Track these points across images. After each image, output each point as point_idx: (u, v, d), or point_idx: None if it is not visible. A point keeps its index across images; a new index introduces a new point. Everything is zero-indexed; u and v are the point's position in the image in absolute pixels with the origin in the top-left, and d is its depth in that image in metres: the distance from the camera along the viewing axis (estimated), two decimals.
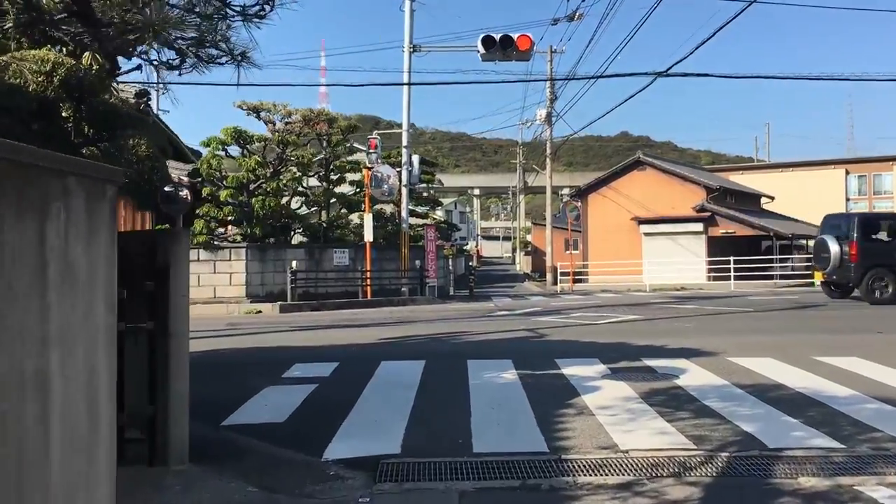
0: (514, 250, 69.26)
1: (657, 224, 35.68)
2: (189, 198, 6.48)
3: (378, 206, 25.28)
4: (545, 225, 55.89)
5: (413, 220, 25.11)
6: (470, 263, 31.18)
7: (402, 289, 23.25)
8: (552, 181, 63.63)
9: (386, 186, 23.03)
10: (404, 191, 23.67)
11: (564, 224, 42.20)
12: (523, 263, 61.33)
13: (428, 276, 24.17)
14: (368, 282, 21.97)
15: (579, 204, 40.88)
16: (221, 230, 24.76)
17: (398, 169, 23.52)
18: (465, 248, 60.96)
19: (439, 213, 33.82)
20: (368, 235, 22.20)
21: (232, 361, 9.73)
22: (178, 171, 21.67)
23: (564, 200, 42.02)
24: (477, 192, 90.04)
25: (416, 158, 24.01)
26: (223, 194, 20.52)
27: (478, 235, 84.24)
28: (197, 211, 20.48)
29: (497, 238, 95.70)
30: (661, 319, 14.52)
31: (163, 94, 40.02)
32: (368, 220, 22.34)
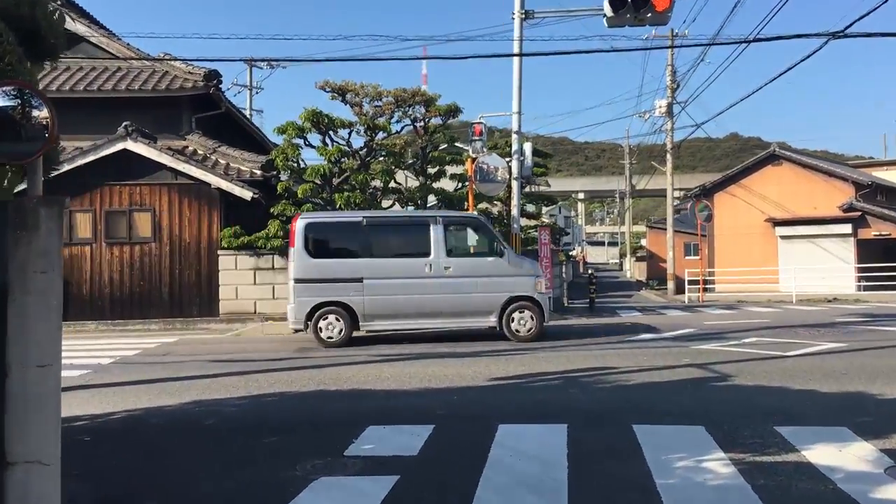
0: (621, 256, 66.22)
1: (796, 226, 32.91)
2: (51, 123, 3.76)
3: (482, 205, 22.27)
4: (662, 228, 52.36)
5: (523, 221, 21.95)
6: (590, 271, 27.72)
7: None
8: (660, 183, 60.04)
9: (493, 180, 19.99)
10: (515, 185, 20.54)
11: (685, 227, 38.55)
12: (635, 270, 58.47)
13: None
14: None
15: (710, 203, 37.05)
16: None
17: (508, 160, 20.43)
18: (571, 253, 57.89)
19: (545, 216, 30.48)
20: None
21: (280, 419, 6.90)
22: (250, 163, 19.38)
23: (691, 200, 38.11)
24: (581, 195, 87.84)
25: (528, 147, 20.85)
26: (300, 189, 17.98)
27: (583, 240, 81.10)
28: (271, 209, 18.03)
29: (601, 243, 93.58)
30: (878, 349, 10.85)
31: (256, 93, 38.31)
32: None
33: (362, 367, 10.01)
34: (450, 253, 12.96)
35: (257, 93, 44.93)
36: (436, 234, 12.91)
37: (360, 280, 12.61)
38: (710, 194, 36.23)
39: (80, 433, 6.56)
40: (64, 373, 9.73)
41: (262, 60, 33.57)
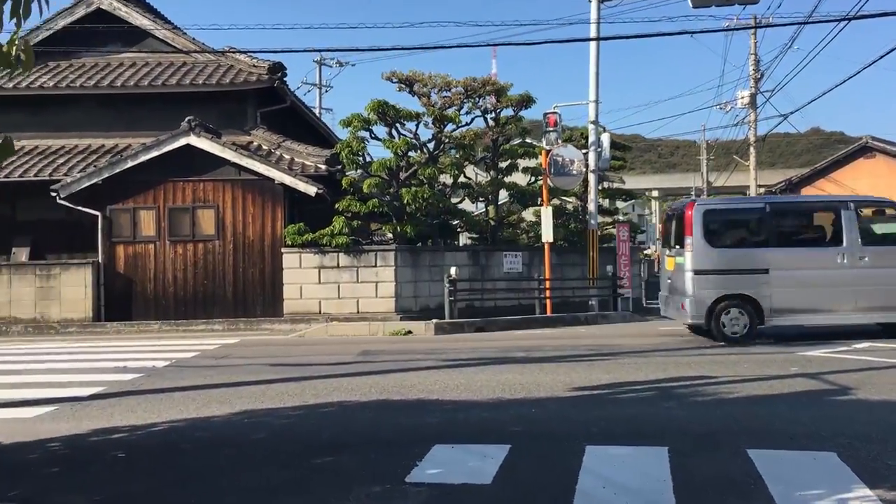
0: None
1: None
2: None
3: (556, 200, 21.29)
4: None
5: (599, 218, 20.85)
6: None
7: (590, 301, 19.12)
8: (738, 180, 57.89)
9: (569, 173, 19.02)
10: (592, 178, 19.53)
11: None
12: None
13: (622, 286, 19.90)
14: (548, 293, 18.04)
15: None
16: (376, 227, 21.80)
17: (584, 151, 19.43)
18: (645, 252, 56.76)
19: (620, 213, 29.14)
20: (548, 235, 18.28)
21: (335, 434, 6.17)
22: (314, 157, 18.86)
23: (782, 194, 36.42)
24: (655, 193, 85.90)
25: (605, 138, 19.81)
26: (366, 184, 17.34)
27: (656, 239, 79.18)
28: (336, 205, 17.47)
29: None
30: None
31: (325, 91, 38.18)
32: (548, 215, 18.42)
33: (429, 374, 9.25)
34: (864, 241, 12.06)
35: (326, 91, 44.95)
36: (847, 220, 12.03)
37: (765, 271, 11.99)
38: (797, 189, 34.69)
39: (116, 447, 5.96)
40: (115, 377, 9.27)
41: (327, 51, 33.23)
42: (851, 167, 33.32)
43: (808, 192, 34.21)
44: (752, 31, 36.91)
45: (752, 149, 36.94)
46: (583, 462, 5.05)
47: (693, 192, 72.68)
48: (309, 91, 43.88)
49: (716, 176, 60.35)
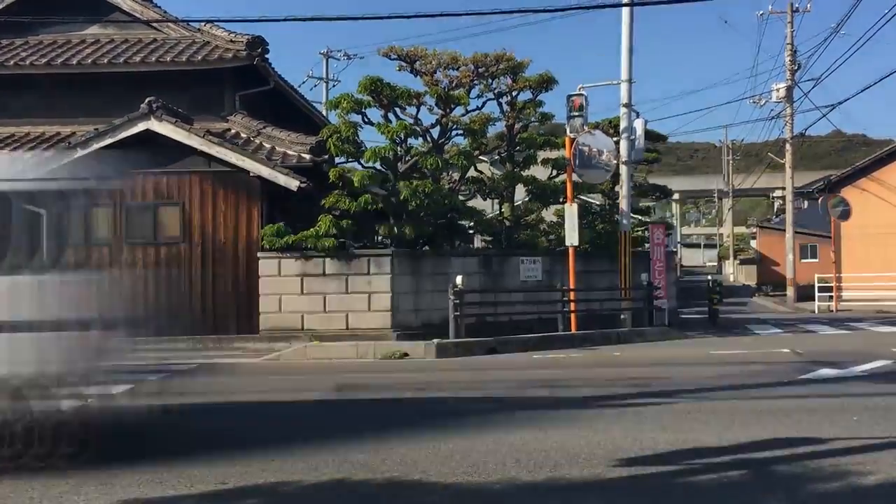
0: (720, 259, 62.33)
1: None
2: None
3: (580, 197, 18.89)
4: (774, 228, 48.12)
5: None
6: (709, 277, 23.95)
7: (622, 315, 16.71)
8: (763, 182, 55.48)
9: (597, 165, 16.62)
10: (624, 171, 17.11)
11: (798, 227, 34.95)
12: (739, 274, 55.12)
13: (657, 296, 17.49)
14: (573, 306, 15.63)
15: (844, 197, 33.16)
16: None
17: (615, 140, 17.01)
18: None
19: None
20: (572, 237, 15.86)
21: None
22: (298, 145, 16.49)
23: (824, 195, 33.95)
24: (676, 196, 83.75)
25: (640, 124, 17.39)
26: (357, 177, 14.97)
27: (678, 243, 77.00)
28: (322, 202, 15.13)
29: (697, 245, 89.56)
30: None
31: (332, 86, 36.16)
32: (573, 214, 15.99)
33: (415, 427, 6.87)
34: None
35: (334, 86, 42.73)
36: None
37: None
38: (836, 189, 32.62)
39: None
40: None
41: (311, 20, 30.95)
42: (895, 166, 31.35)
43: (850, 192, 31.99)
44: (789, 18, 34.70)
45: (787, 146, 34.53)
46: None
47: (715, 195, 70.40)
48: (316, 85, 41.72)
49: (740, 179, 58.16)
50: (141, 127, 15.01)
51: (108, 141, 15.03)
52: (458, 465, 5.50)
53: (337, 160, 16.23)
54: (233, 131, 17.06)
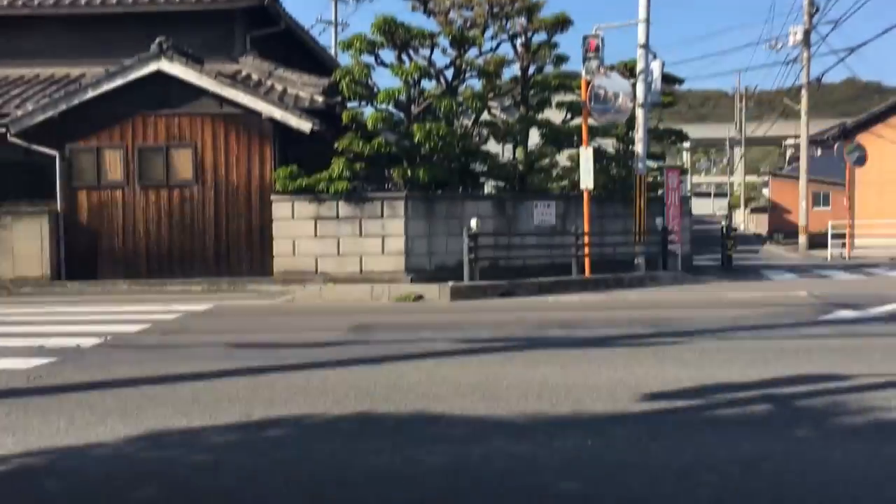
0: (730, 207, 61.98)
1: None
2: None
3: (595, 141, 18.67)
4: (787, 176, 47.80)
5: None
6: (723, 223, 23.80)
7: (637, 260, 16.65)
8: (776, 130, 54.73)
9: (613, 108, 16.38)
10: (640, 114, 16.87)
11: (812, 174, 34.56)
12: (750, 222, 55.03)
13: (672, 241, 17.41)
14: (587, 250, 15.57)
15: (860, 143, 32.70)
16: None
17: (631, 82, 16.74)
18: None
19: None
20: (587, 181, 15.72)
21: (266, 490, 3.83)
22: (311, 87, 16.30)
23: (839, 141, 33.48)
24: (687, 144, 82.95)
25: (657, 66, 17.13)
26: (371, 119, 14.82)
27: (689, 192, 76.59)
28: (336, 145, 15.01)
29: (707, 195, 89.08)
30: None
31: (342, 30, 35.58)
32: (588, 157, 15.84)
33: (436, 364, 6.88)
34: None
35: (342, 30, 42.07)
36: None
37: None
38: (851, 135, 32.20)
39: None
40: (15, 363, 7.03)
41: None
42: None
43: (865, 138, 31.55)
44: None
45: (803, 91, 34.01)
46: None
47: (727, 144, 69.63)
48: (324, 30, 41.18)
49: (753, 127, 57.47)
50: (152, 68, 14.84)
51: (119, 82, 14.89)
52: (480, 400, 5.51)
53: (350, 103, 16.03)
54: (244, 73, 16.87)
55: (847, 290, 13.28)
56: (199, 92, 15.01)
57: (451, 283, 13.26)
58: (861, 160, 29.37)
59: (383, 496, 3.66)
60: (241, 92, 14.94)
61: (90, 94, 14.85)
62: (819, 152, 42.45)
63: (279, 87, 16.21)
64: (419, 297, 12.83)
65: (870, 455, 4.13)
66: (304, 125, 14.69)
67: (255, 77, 16.67)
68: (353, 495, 3.70)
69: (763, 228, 49.00)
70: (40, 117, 14.82)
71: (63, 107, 14.82)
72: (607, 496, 3.61)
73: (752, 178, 75.17)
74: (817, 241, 29.57)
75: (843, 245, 26.86)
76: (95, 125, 15.13)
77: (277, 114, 14.79)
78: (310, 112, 15.13)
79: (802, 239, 31.77)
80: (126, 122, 15.17)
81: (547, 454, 4.25)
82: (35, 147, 15.02)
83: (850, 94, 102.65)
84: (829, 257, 26.00)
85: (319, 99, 15.49)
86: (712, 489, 3.66)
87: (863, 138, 31.30)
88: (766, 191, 57.65)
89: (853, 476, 3.79)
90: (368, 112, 15.56)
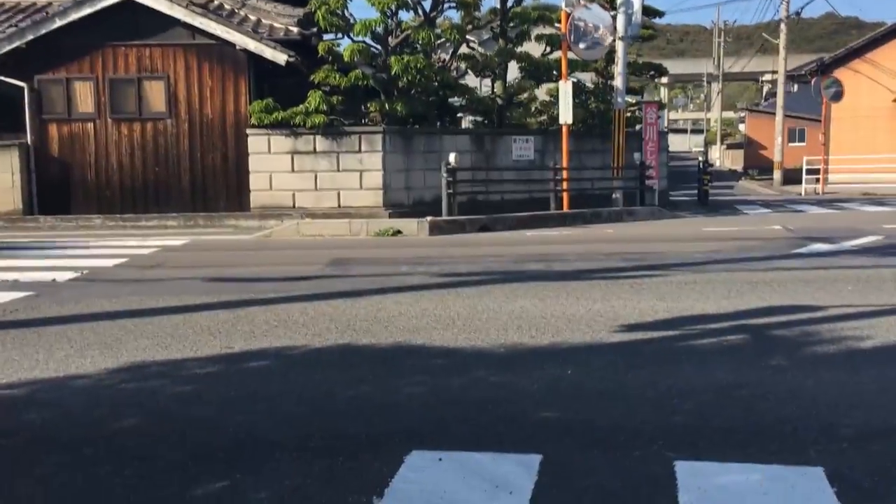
0: (706, 144, 62.18)
1: None
2: None
3: (574, 76, 18.50)
4: (764, 112, 47.81)
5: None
6: (700, 158, 23.91)
7: (614, 195, 16.70)
8: (754, 65, 54.45)
9: (593, 41, 16.20)
10: (620, 47, 16.71)
11: (788, 110, 34.69)
12: (725, 158, 55.41)
13: (650, 177, 17.47)
14: (566, 185, 15.58)
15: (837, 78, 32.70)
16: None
17: (612, 13, 16.53)
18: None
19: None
20: (566, 115, 15.65)
21: (249, 421, 3.86)
22: (286, 18, 15.96)
23: (817, 76, 33.45)
24: (665, 80, 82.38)
25: None
26: (347, 51, 14.58)
27: (666, 128, 76.40)
28: (312, 78, 14.76)
29: (684, 131, 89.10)
30: None
31: None
32: (567, 91, 15.73)
33: (416, 298, 6.91)
34: None
35: None
36: None
37: None
38: (829, 71, 32.41)
39: None
40: None
41: None
42: (891, 46, 31.16)
43: (843, 73, 31.58)
44: None
45: (782, 25, 33.80)
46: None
47: (705, 80, 69.32)
48: None
49: (731, 62, 57.20)
50: None
51: (87, 11, 14.47)
52: (461, 332, 5.55)
53: (326, 35, 15.72)
54: (216, 2, 16.43)
55: (820, 225, 13.44)
56: (171, 21, 14.64)
57: (429, 218, 13.25)
58: (838, 96, 29.41)
59: (364, 425, 3.70)
60: (214, 22, 14.59)
61: (58, 23, 14.44)
62: (796, 88, 42.45)
63: (253, 18, 15.84)
64: (397, 232, 12.82)
65: (840, 383, 4.23)
66: (280, 57, 14.41)
67: (227, 6, 16.25)
68: (335, 425, 3.74)
69: (739, 164, 49.27)
70: (7, 47, 14.41)
71: (30, 36, 14.41)
72: (586, 424, 3.68)
73: (728, 115, 75.09)
74: (792, 177, 29.84)
75: (818, 181, 27.14)
76: (64, 56, 14.75)
77: (252, 45, 14.48)
78: (285, 43, 14.83)
79: (777, 175, 32.04)
80: (96, 53, 14.80)
81: (527, 383, 4.31)
82: (2, 78, 14.63)
83: (829, 29, 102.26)
84: (803, 193, 26.37)
85: (294, 30, 15.17)
86: (688, 416, 3.74)
87: (840, 73, 31.37)
88: (742, 127, 57.79)
89: (824, 402, 3.89)
90: (345, 44, 15.29)
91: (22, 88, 14.73)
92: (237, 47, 14.56)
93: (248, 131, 14.81)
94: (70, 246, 11.41)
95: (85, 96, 14.88)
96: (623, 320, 5.79)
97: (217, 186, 15.07)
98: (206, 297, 7.01)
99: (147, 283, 8.11)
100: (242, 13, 15.98)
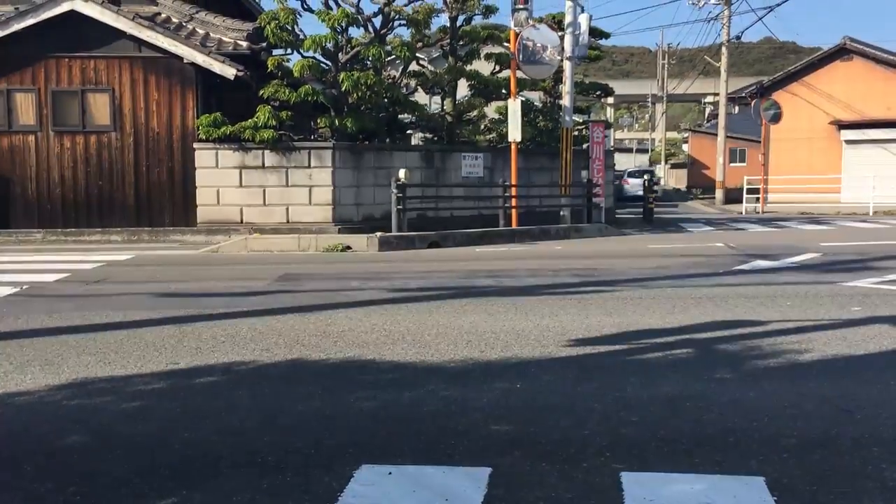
0: (651, 163, 63.48)
1: (865, 129, 30.20)
2: None
3: (523, 94, 18.71)
4: (706, 133, 49.02)
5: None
6: (645, 177, 24.37)
7: (562, 212, 16.90)
8: (697, 87, 55.81)
9: (541, 61, 16.42)
10: (568, 66, 16.98)
11: (729, 131, 35.62)
12: (670, 178, 56.56)
13: (596, 195, 17.74)
14: (514, 202, 15.72)
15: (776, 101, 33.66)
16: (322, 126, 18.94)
17: (560, 33, 16.80)
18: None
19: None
20: (515, 133, 15.81)
21: (195, 437, 3.80)
22: (235, 32, 15.84)
23: (756, 98, 34.37)
24: (611, 100, 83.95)
25: (584, 18, 17.20)
26: (297, 66, 14.53)
27: (612, 148, 77.70)
28: (261, 93, 14.68)
29: (629, 150, 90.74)
30: None
31: None
32: (516, 109, 15.90)
33: (366, 313, 6.89)
34: None
35: None
36: None
37: None
38: (768, 93, 33.27)
39: None
40: None
41: None
42: (827, 70, 31.85)
43: (781, 96, 32.53)
44: None
45: (723, 49, 34.81)
46: None
47: (649, 100, 70.81)
48: None
49: (674, 84, 58.52)
50: (65, 7, 14.18)
51: (31, 21, 14.20)
52: (411, 347, 5.56)
53: (275, 50, 15.66)
54: (163, 15, 16.25)
55: (761, 242, 13.79)
56: (117, 34, 14.44)
57: (379, 234, 13.24)
58: (777, 117, 30.29)
59: (314, 440, 3.68)
60: (161, 35, 14.42)
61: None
62: (737, 110, 43.58)
63: (201, 31, 15.70)
64: (347, 248, 12.78)
65: (781, 395, 4.34)
66: (228, 71, 14.31)
67: (175, 20, 16.08)
68: (284, 440, 3.70)
69: (682, 184, 50.34)
70: None
71: None
72: (536, 436, 3.71)
73: (672, 135, 76.63)
74: (733, 197, 30.58)
75: (758, 200, 27.88)
76: (5, 67, 14.45)
77: (200, 58, 14.35)
78: (234, 58, 14.73)
79: (719, 194, 32.82)
80: (38, 64, 14.51)
81: (477, 397, 4.33)
82: None
83: (768, 53, 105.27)
84: (744, 211, 27.09)
85: (244, 44, 15.09)
86: (635, 428, 3.80)
87: (779, 96, 32.26)
88: (685, 147, 59.02)
89: (766, 414, 3.98)
90: (295, 59, 15.24)
91: None
92: (185, 60, 14.41)
93: (196, 145, 14.64)
94: (9, 261, 11.12)
95: (26, 108, 14.56)
96: (571, 335, 5.86)
97: (163, 201, 14.84)
98: (152, 313, 6.90)
99: (90, 298, 7.94)
100: (190, 26, 15.83)
